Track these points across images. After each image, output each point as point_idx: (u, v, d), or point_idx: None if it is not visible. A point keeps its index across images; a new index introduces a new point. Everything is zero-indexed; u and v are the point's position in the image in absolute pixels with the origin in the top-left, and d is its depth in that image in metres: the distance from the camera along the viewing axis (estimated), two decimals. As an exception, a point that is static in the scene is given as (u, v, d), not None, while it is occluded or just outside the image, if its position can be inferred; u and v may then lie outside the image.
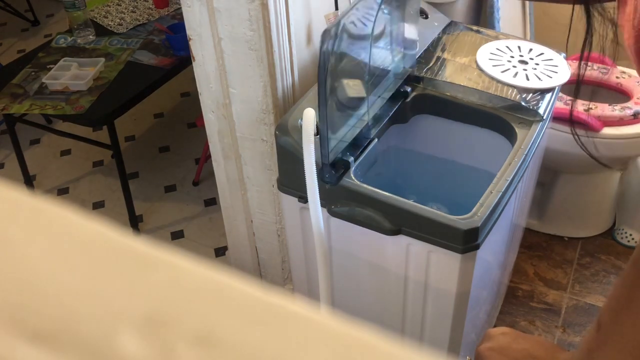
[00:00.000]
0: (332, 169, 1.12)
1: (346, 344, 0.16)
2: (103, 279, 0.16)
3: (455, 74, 1.31)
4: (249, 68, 1.28)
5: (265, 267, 1.68)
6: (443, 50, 1.39)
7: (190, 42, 1.33)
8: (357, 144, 1.18)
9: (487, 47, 1.38)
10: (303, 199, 1.17)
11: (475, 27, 1.46)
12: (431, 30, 1.42)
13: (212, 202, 2.11)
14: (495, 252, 1.31)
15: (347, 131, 1.17)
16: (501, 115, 1.25)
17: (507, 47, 1.38)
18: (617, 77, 1.71)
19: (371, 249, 1.17)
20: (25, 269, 0.16)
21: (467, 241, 1.04)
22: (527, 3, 1.93)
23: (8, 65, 2.10)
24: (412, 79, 1.33)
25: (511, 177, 1.11)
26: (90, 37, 2.10)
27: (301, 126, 1.06)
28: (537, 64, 1.33)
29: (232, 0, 1.20)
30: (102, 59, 1.96)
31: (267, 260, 1.65)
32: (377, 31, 1.17)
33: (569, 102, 1.65)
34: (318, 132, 1.08)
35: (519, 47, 1.38)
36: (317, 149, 1.08)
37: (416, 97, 1.31)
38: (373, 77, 1.22)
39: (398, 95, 1.30)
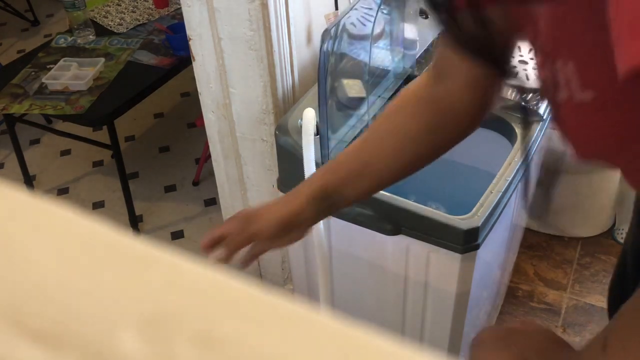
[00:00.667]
0: (332, 169, 1.12)
1: (346, 344, 0.16)
2: (103, 279, 0.16)
3: (455, 74, 1.31)
4: (249, 68, 1.28)
5: (265, 267, 1.68)
6: (443, 50, 1.39)
7: (190, 42, 1.33)
8: (357, 144, 1.18)
9: (487, 47, 1.38)
10: (303, 199, 1.17)
11: (475, 27, 1.46)
12: (431, 30, 1.42)
13: (212, 202, 2.11)
14: (495, 252, 1.31)
15: (347, 131, 1.17)
16: (501, 115, 1.25)
17: (507, 47, 1.38)
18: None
19: (371, 249, 1.17)
20: (26, 268, 0.16)
21: (467, 241, 1.04)
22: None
23: (8, 65, 2.10)
24: (412, 79, 1.33)
25: (511, 177, 1.11)
26: (90, 37, 2.10)
27: (301, 126, 1.06)
28: (537, 64, 1.33)
29: (232, 0, 1.20)
30: (102, 59, 1.96)
31: (267, 260, 1.65)
32: (377, 31, 1.17)
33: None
34: (318, 132, 1.08)
35: (519, 47, 1.38)
36: (317, 149, 1.08)
37: (416, 97, 1.31)
38: (373, 77, 1.23)
39: (398, 95, 1.30)
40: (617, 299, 0.86)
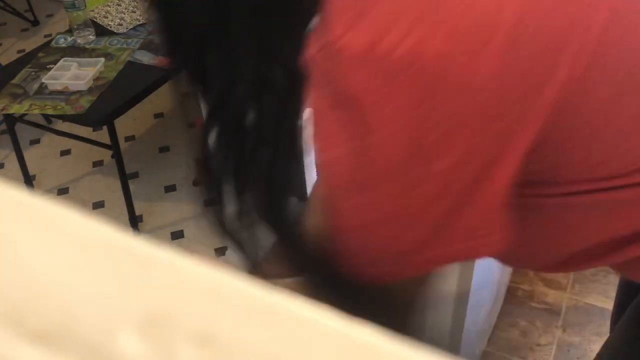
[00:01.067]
0: (332, 169, 1.12)
1: (347, 344, 0.16)
2: (103, 279, 0.16)
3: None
4: (249, 68, 1.28)
5: (265, 267, 1.68)
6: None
7: (190, 42, 1.33)
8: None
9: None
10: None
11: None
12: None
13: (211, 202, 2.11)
14: (495, 252, 1.31)
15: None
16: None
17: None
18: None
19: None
20: (25, 268, 0.16)
21: (467, 241, 1.04)
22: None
23: (8, 65, 2.10)
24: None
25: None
26: (90, 37, 2.10)
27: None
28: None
29: None
30: (102, 59, 1.96)
31: (267, 260, 1.65)
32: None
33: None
34: (318, 132, 1.07)
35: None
36: (317, 149, 1.07)
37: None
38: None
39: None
40: (625, 295, 0.85)
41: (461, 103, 0.38)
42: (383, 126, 0.39)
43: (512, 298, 1.71)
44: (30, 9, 3.25)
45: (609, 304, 1.69)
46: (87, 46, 2.07)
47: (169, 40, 0.51)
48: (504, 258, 0.59)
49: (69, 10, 2.07)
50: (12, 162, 2.27)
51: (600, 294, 1.72)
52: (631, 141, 0.45)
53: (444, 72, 0.36)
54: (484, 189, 0.41)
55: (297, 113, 0.50)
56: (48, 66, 1.97)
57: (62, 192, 2.23)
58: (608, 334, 0.84)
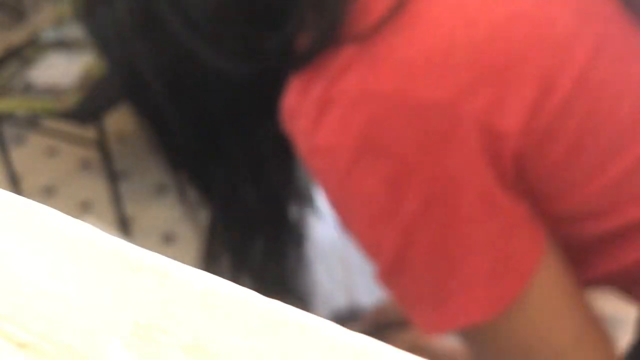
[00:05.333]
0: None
1: (347, 353, 0.15)
2: (90, 285, 0.16)
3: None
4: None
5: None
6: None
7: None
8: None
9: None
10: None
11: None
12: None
13: (202, 201, 2.10)
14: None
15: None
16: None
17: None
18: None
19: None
20: (8, 274, 0.16)
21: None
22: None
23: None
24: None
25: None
26: (80, 30, 2.09)
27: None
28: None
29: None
30: (92, 54, 1.95)
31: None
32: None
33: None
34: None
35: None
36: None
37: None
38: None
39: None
40: None
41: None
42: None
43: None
44: (17, 1, 3.22)
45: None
46: (76, 40, 2.05)
47: (164, 153, 0.58)
48: None
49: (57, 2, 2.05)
50: (-2, 161, 2.25)
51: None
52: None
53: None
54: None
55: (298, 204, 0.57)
56: (35, 61, 1.95)
57: (48, 192, 2.22)
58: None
